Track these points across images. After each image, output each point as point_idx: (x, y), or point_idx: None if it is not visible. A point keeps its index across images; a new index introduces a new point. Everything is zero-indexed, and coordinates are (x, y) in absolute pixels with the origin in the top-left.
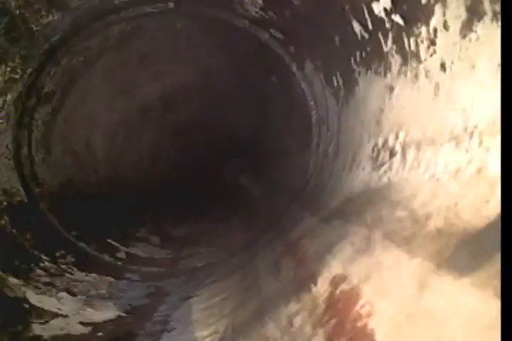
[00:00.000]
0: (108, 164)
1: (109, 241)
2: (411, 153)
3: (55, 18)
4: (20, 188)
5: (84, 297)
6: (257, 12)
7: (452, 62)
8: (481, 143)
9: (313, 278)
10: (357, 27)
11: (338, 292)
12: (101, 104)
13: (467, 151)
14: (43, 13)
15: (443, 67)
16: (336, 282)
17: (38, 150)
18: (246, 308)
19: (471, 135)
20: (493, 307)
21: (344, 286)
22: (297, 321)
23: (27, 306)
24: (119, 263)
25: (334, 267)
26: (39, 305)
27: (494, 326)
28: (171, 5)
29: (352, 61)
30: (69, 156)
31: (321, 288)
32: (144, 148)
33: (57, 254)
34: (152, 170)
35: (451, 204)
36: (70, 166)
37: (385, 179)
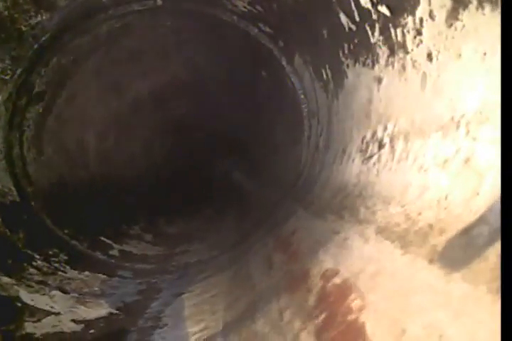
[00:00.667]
0: (100, 162)
1: (102, 238)
2: (399, 145)
3: (44, 18)
4: (13, 188)
5: (76, 295)
6: (245, 7)
7: (439, 52)
8: (467, 132)
9: (305, 273)
10: (344, 19)
11: (329, 286)
12: (92, 102)
13: (454, 141)
14: (32, 13)
15: (429, 56)
16: (327, 276)
17: (29, 149)
18: (238, 304)
19: (458, 124)
20: (485, 303)
21: (336, 280)
22: (287, 315)
23: (19, 305)
24: (112, 260)
25: (326, 262)
26: (31, 303)
27: (487, 321)
28: (160, 2)
29: (340, 53)
30: (61, 155)
31: (313, 282)
32: (136, 145)
33: (50, 253)
34: (145, 167)
35: (442, 198)
36: (63, 165)
37: (374, 171)
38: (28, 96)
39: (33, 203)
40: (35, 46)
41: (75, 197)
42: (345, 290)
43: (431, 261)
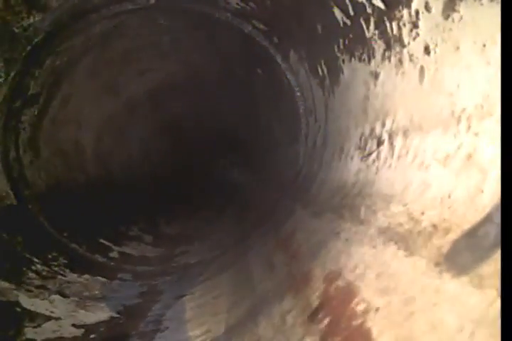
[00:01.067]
0: (98, 163)
1: (102, 241)
2: (398, 141)
3: (36, 19)
4: (10, 191)
5: (76, 299)
6: (238, 4)
7: (436, 45)
8: (469, 127)
9: (306, 275)
10: (338, 14)
11: (332, 289)
12: (88, 103)
13: (455, 137)
14: (24, 15)
15: (427, 50)
16: (330, 279)
17: (26, 152)
18: (240, 306)
19: (459, 119)
20: (493, 307)
21: (339, 283)
22: (290, 319)
23: (19, 310)
24: (112, 263)
25: (328, 263)
26: (31, 308)
27: (494, 326)
28: (152, 1)
29: (335, 49)
30: (58, 157)
31: (315, 284)
32: (134, 145)
33: (49, 256)
34: (142, 167)
35: (445, 196)
36: (59, 167)
37: (373, 169)
38: (23, 98)
39: (30, 206)
40: (28, 48)
41: (73, 199)
42: (348, 293)
43: (437, 264)
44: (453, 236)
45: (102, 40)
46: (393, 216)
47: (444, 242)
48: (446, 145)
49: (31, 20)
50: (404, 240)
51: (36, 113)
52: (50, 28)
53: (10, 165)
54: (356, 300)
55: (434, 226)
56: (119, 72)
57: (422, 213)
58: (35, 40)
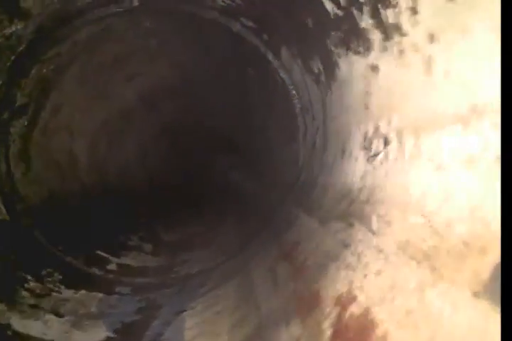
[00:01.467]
0: (92, 172)
1: (99, 252)
2: (409, 140)
3: (18, 27)
4: (1, 206)
5: (72, 317)
6: (224, 1)
7: (440, 31)
8: (492, 123)
9: (315, 295)
10: (328, 4)
11: (347, 316)
12: (79, 111)
13: (478, 134)
14: (5, 23)
15: (430, 37)
16: (343, 303)
17: (17, 165)
18: (243, 327)
19: (481, 114)
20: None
21: (353, 309)
22: None
23: (10, 333)
24: (110, 275)
25: (339, 282)
26: (23, 331)
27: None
28: (136, 3)
29: (329, 43)
30: (51, 168)
31: (326, 308)
32: (129, 151)
33: (43, 273)
34: (139, 173)
35: (475, 206)
36: (53, 178)
37: (382, 171)
38: (11, 110)
39: (24, 221)
40: (13, 57)
41: (68, 211)
42: (366, 323)
43: (475, 293)
44: (492, 257)
45: (88, 45)
46: (412, 228)
47: (481, 265)
48: (467, 144)
49: (13, 28)
50: (430, 259)
51: (26, 124)
52: (33, 35)
53: (1, 179)
54: (377, 333)
55: (466, 243)
56: (110, 78)
57: (448, 226)
58: (19, 48)
